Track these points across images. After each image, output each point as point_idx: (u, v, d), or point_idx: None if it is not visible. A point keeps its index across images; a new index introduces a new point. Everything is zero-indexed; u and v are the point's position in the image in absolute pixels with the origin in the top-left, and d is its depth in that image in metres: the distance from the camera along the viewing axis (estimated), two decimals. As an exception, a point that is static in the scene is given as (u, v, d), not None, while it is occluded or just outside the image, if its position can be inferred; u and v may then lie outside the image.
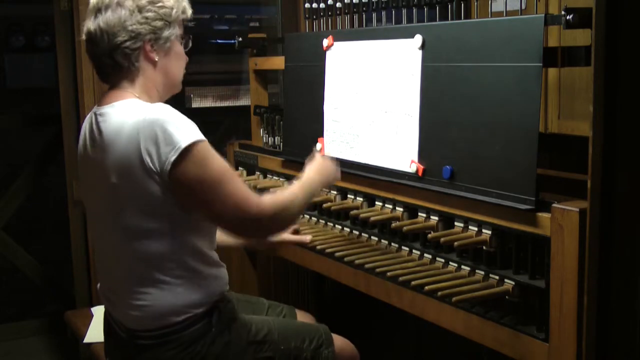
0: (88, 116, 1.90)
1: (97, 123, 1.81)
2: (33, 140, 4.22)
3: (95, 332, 2.79)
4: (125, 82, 1.84)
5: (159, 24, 1.83)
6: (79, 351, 3.03)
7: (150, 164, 1.69)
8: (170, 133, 1.68)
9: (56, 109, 3.59)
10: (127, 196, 1.73)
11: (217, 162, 1.74)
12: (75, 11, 3.27)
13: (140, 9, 1.81)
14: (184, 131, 1.70)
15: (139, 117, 1.72)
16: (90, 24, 1.83)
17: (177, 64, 1.92)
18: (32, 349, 3.96)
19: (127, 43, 1.80)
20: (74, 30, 3.33)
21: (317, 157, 2.11)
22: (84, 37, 1.86)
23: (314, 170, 2.04)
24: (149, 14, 1.82)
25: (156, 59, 1.85)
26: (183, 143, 1.68)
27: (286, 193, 1.90)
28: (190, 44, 1.97)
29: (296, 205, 1.89)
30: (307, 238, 2.27)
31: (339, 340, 2.11)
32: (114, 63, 1.82)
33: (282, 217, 1.85)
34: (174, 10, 1.86)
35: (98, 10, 1.82)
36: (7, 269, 4.27)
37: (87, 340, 2.76)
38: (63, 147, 3.55)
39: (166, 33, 1.85)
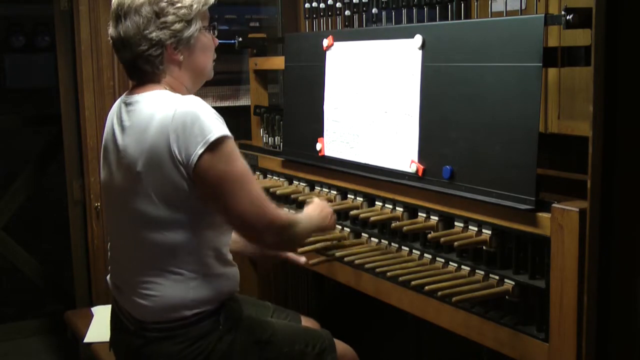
0: (115, 105, 1.91)
1: (127, 112, 1.82)
2: (33, 140, 4.22)
3: (95, 332, 2.80)
4: (153, 82, 1.84)
5: (178, 26, 1.80)
6: (79, 351, 3.03)
7: (178, 155, 1.70)
8: (199, 126, 1.69)
9: (56, 109, 3.58)
10: (151, 185, 1.74)
11: (241, 161, 1.77)
12: (75, 11, 3.27)
13: (157, 14, 1.78)
14: (214, 125, 1.71)
15: (170, 108, 1.72)
16: (112, 31, 1.83)
17: (203, 55, 1.90)
18: (32, 349, 3.95)
19: (149, 51, 1.79)
20: (74, 30, 3.33)
21: (316, 200, 2.12)
22: (109, 39, 1.86)
23: (312, 209, 2.05)
24: (168, 18, 1.79)
25: (181, 59, 1.84)
26: (212, 137, 1.69)
27: (296, 215, 1.94)
28: (216, 32, 1.94)
29: (300, 231, 1.91)
30: (302, 259, 2.24)
31: (340, 345, 2.11)
32: (139, 69, 1.83)
33: (289, 233, 1.86)
34: (194, 7, 1.82)
35: (118, 17, 1.81)
36: (7, 269, 4.27)
37: (87, 340, 2.77)
38: (63, 147, 3.55)
39: (188, 33, 1.82)
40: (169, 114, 1.71)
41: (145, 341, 1.83)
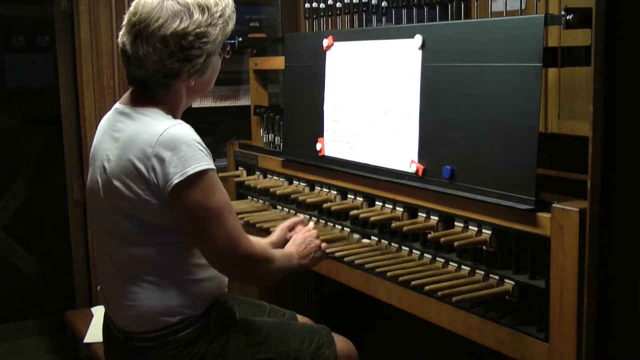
0: (110, 112, 1.87)
1: (119, 122, 1.79)
2: (33, 140, 4.22)
3: (95, 332, 2.79)
4: (153, 99, 1.80)
5: (200, 60, 1.75)
6: (79, 351, 3.03)
7: (155, 180, 1.69)
8: (180, 157, 1.67)
9: (56, 109, 3.58)
10: (126, 202, 1.73)
11: (221, 194, 1.74)
12: (75, 11, 3.27)
13: (182, 48, 1.72)
14: (195, 158, 1.68)
15: (157, 131, 1.70)
16: (127, 43, 1.75)
17: (210, 78, 1.86)
18: (32, 349, 3.95)
19: (165, 79, 1.76)
20: (74, 30, 3.32)
21: (303, 232, 2.07)
22: (119, 43, 1.79)
23: (295, 245, 2.01)
24: (192, 52, 1.73)
25: (191, 84, 1.80)
26: (190, 170, 1.67)
27: (274, 252, 1.91)
28: (230, 53, 1.90)
29: (276, 268, 1.88)
30: (310, 225, 2.20)
31: (339, 340, 2.10)
32: (146, 87, 1.79)
33: (263, 269, 1.84)
34: (219, 40, 1.78)
35: (137, 34, 1.72)
36: (7, 269, 4.27)
37: (87, 340, 2.76)
38: (63, 147, 3.55)
39: (206, 63, 1.78)
40: (154, 137, 1.69)
41: (136, 351, 1.83)
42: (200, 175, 1.69)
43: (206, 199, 1.70)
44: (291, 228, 2.16)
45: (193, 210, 1.70)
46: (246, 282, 1.94)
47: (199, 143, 1.72)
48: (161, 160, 1.68)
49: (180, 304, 1.80)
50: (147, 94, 1.80)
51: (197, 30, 1.73)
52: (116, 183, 1.73)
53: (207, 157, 1.72)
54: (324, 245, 2.07)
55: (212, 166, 1.72)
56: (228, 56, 1.91)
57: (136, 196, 1.71)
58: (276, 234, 2.15)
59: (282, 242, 2.13)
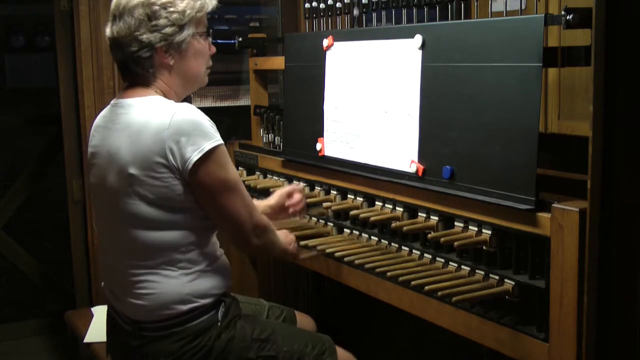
0: (106, 109, 1.93)
1: (119, 115, 1.84)
2: (33, 140, 4.22)
3: (95, 332, 2.80)
4: (144, 85, 1.87)
5: (169, 30, 1.82)
6: (79, 351, 3.03)
7: (173, 162, 1.74)
8: (196, 135, 1.74)
9: (56, 109, 3.59)
10: (145, 188, 1.77)
11: (233, 167, 1.85)
12: (75, 11, 3.27)
13: (149, 17, 1.81)
14: (209, 134, 1.76)
15: (166, 115, 1.75)
16: (107, 31, 1.87)
17: (195, 61, 1.91)
18: (32, 349, 3.95)
19: (139, 52, 1.82)
20: (74, 30, 3.33)
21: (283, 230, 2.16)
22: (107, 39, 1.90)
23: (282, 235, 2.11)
24: (160, 21, 1.81)
25: (171, 63, 1.86)
26: (207, 146, 1.75)
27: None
28: (210, 40, 1.96)
29: (275, 240, 2.02)
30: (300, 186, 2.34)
31: (342, 352, 2.12)
32: (129, 70, 1.85)
33: (269, 238, 1.96)
34: (187, 12, 1.84)
35: (114, 17, 1.84)
36: (7, 269, 4.27)
37: (87, 340, 2.77)
38: (63, 147, 3.55)
39: (179, 37, 1.84)
40: (166, 121, 1.74)
41: (144, 341, 1.84)
42: (215, 149, 1.77)
43: (224, 172, 1.79)
44: (289, 195, 2.27)
45: (213, 183, 1.78)
46: (254, 252, 2.06)
47: (208, 120, 1.80)
48: (177, 142, 1.73)
49: (193, 291, 1.83)
50: (136, 79, 1.86)
51: (163, 0, 1.82)
52: (132, 171, 1.76)
53: (217, 132, 1.81)
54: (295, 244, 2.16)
55: (222, 141, 1.80)
56: (210, 37, 1.96)
57: (158, 181, 1.76)
58: (275, 198, 2.25)
59: (280, 207, 2.25)
